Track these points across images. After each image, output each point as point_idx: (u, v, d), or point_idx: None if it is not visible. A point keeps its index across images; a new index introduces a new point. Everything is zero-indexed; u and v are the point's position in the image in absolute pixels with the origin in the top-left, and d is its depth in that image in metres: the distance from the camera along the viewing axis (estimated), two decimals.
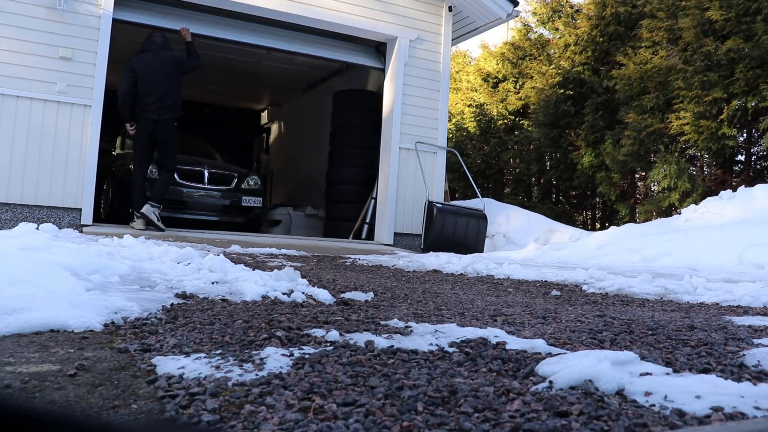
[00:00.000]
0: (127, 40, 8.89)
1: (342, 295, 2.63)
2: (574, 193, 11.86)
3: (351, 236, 8.35)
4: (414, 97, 7.81)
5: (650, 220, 8.42)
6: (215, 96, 12.83)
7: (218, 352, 1.49)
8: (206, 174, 7.85)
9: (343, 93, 9.25)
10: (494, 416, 1.07)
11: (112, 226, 6.46)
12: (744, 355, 1.59)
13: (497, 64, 13.24)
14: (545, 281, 3.89)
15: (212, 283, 2.65)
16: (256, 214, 8.38)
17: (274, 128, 13.42)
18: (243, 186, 8.10)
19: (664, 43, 8.68)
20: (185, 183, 7.62)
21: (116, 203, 7.93)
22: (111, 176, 8.13)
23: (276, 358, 1.40)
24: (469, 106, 13.54)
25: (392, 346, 1.58)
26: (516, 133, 12.66)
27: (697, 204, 7.11)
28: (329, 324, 1.91)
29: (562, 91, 10.72)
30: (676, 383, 1.27)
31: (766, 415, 1.11)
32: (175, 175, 7.12)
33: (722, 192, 6.84)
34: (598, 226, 11.43)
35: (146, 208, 6.27)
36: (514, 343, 1.66)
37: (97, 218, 7.22)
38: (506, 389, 1.23)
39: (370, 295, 2.66)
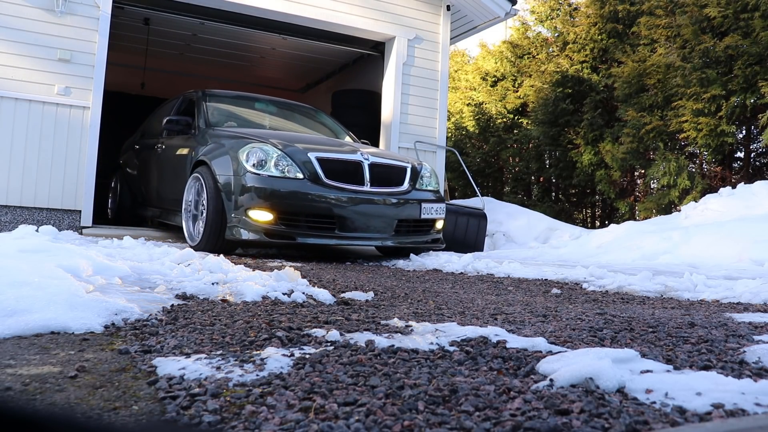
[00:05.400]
0: (127, 39, 8.87)
1: (342, 295, 2.63)
2: (573, 191, 11.86)
3: None
4: (413, 97, 7.81)
5: (650, 217, 8.42)
6: None
7: (219, 352, 1.49)
8: (366, 168, 4.78)
9: (342, 93, 9.25)
10: (495, 415, 1.07)
11: (111, 228, 6.46)
12: (744, 351, 1.59)
13: (496, 63, 13.25)
14: (545, 279, 3.89)
15: (212, 283, 2.65)
16: (438, 232, 5.28)
17: None
18: (417, 185, 5.11)
19: (663, 40, 8.68)
20: (335, 184, 4.60)
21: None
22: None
23: (276, 359, 1.40)
24: (468, 105, 13.54)
25: (393, 346, 1.58)
26: (515, 131, 12.66)
27: (696, 201, 7.12)
28: (330, 324, 1.91)
29: (560, 89, 10.72)
30: (677, 380, 1.27)
31: (767, 411, 1.11)
32: (319, 170, 4.57)
33: (722, 189, 6.84)
34: (598, 224, 11.44)
35: None
36: (515, 341, 1.66)
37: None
38: (507, 388, 1.23)
39: (370, 295, 2.66)
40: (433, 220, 5.13)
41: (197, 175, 4.84)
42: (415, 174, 5.11)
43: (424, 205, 4.99)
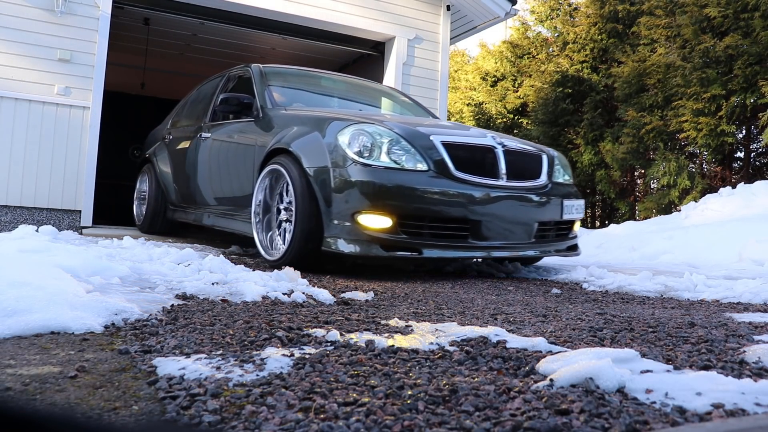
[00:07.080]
0: (127, 39, 8.87)
1: (342, 295, 2.63)
2: None
3: None
4: (413, 96, 7.81)
5: (650, 217, 8.43)
6: None
7: (219, 352, 1.48)
8: (501, 155, 3.75)
9: None
10: (495, 415, 1.07)
11: (111, 228, 6.45)
12: (744, 351, 1.59)
13: (496, 63, 13.25)
14: (545, 279, 3.89)
15: (212, 283, 2.65)
16: (576, 236, 4.28)
17: None
18: (554, 178, 4.07)
19: (663, 40, 8.68)
20: (467, 178, 3.56)
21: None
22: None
23: (276, 359, 1.40)
24: (468, 105, 13.54)
25: (393, 346, 1.58)
26: (515, 131, 12.66)
27: (696, 201, 7.13)
28: (329, 324, 1.91)
29: (560, 89, 10.72)
30: (677, 380, 1.27)
31: (767, 411, 1.11)
32: (447, 159, 3.53)
33: (722, 189, 6.85)
34: (598, 223, 11.44)
35: None
36: (515, 341, 1.66)
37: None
38: (507, 388, 1.23)
39: (370, 295, 2.66)
40: (572, 222, 4.12)
41: (276, 167, 3.74)
42: (552, 163, 4.06)
43: (565, 202, 3.95)
